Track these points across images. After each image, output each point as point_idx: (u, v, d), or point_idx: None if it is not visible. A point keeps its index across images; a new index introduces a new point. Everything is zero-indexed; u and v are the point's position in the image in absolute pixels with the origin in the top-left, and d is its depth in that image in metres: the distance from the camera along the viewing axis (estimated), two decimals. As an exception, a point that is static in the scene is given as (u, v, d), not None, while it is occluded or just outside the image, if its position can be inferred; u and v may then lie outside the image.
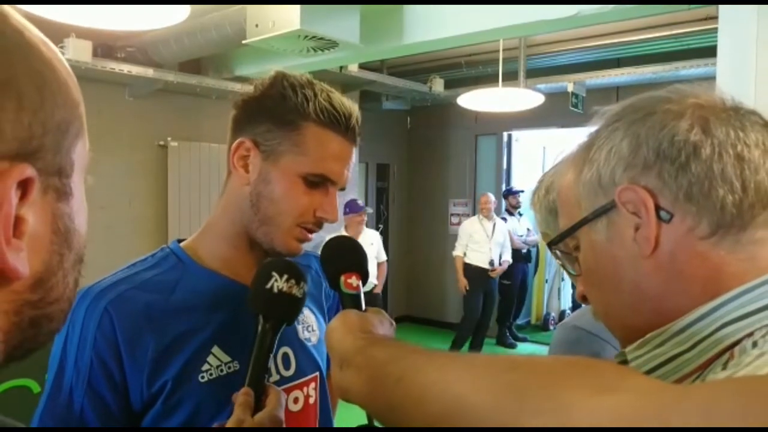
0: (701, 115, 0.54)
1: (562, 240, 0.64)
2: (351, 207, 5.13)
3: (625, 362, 0.57)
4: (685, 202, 0.53)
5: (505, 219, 6.36)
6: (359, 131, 0.95)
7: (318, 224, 0.94)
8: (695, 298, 0.52)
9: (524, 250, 6.57)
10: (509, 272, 6.19)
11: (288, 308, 0.87)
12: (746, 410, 0.30)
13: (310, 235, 0.94)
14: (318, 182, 0.91)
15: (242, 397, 0.80)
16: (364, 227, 5.32)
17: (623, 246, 0.56)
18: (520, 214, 6.58)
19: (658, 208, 0.54)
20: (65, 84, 0.41)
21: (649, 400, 0.35)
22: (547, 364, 0.44)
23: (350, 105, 0.94)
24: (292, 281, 0.86)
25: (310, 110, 0.90)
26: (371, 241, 5.30)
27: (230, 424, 0.77)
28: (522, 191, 6.62)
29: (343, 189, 0.96)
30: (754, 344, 0.47)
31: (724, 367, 0.48)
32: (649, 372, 0.55)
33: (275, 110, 0.91)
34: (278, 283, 0.85)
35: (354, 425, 0.80)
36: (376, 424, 0.74)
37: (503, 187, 6.95)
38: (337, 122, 0.91)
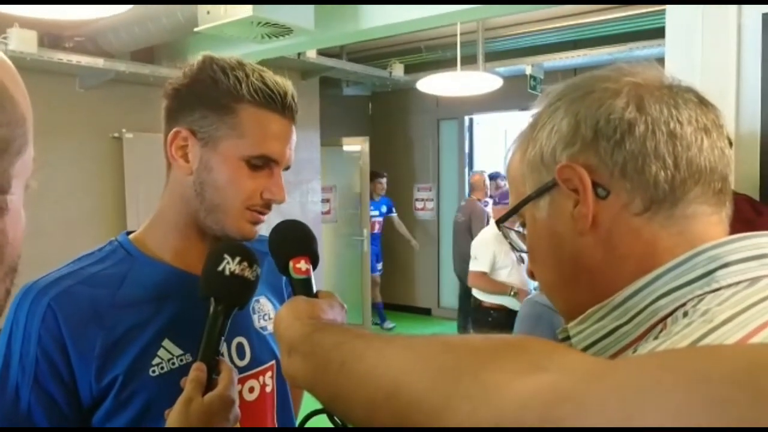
0: (637, 93, 0.55)
1: (509, 218, 0.65)
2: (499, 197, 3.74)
3: (567, 338, 0.58)
4: (621, 179, 0.54)
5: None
6: (296, 108, 0.93)
7: (266, 206, 0.92)
8: (631, 273, 0.54)
9: None
10: None
11: (240, 291, 0.86)
12: (656, 387, 0.30)
13: (262, 217, 0.93)
14: (261, 164, 0.90)
15: (194, 372, 0.79)
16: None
17: (563, 222, 0.57)
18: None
19: (595, 185, 0.55)
20: (10, 100, 0.39)
21: (571, 380, 0.35)
22: (479, 345, 0.45)
23: (284, 82, 0.92)
24: (245, 264, 0.85)
25: (244, 92, 0.88)
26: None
27: (179, 403, 0.76)
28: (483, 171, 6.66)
29: (287, 168, 0.94)
30: (685, 314, 0.49)
31: (656, 337, 0.49)
32: (589, 346, 0.56)
33: (208, 95, 0.89)
34: (230, 265, 0.84)
35: (314, 408, 0.80)
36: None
37: (466, 171, 6.98)
38: (273, 101, 0.90)
